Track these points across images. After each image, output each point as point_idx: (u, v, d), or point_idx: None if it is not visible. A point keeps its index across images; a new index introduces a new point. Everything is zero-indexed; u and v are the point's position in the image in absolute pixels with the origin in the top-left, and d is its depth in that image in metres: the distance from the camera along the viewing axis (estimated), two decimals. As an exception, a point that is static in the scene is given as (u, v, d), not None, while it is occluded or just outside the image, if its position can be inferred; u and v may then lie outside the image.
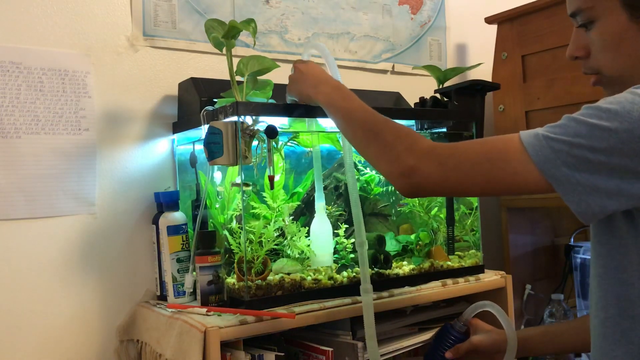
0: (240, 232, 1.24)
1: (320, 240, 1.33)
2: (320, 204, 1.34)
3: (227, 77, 1.21)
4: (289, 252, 1.31)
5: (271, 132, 1.17)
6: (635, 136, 0.77)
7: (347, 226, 1.38)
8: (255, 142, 1.18)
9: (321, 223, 1.34)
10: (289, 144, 1.37)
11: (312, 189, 1.41)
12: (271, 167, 1.19)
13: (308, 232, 1.34)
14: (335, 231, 1.37)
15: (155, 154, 1.43)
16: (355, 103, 1.04)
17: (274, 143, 1.22)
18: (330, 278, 1.29)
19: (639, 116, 0.77)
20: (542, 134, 0.82)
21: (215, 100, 1.29)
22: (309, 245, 1.32)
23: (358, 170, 1.47)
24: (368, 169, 1.50)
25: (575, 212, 0.82)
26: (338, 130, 1.10)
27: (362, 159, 1.46)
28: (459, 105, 1.47)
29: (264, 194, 1.32)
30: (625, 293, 0.89)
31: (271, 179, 1.20)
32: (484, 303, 1.33)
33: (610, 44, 0.90)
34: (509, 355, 1.25)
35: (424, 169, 0.88)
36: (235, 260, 1.24)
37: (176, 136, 1.44)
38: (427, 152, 0.89)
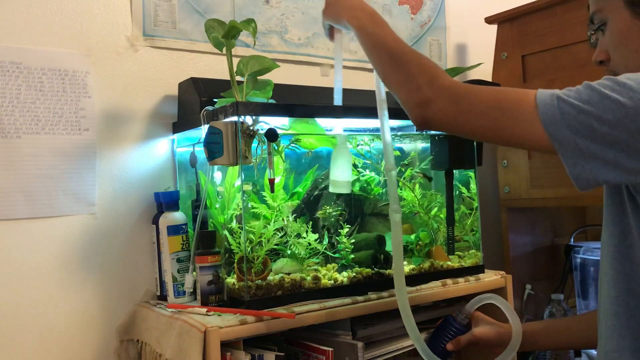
0: (240, 232, 1.24)
1: (339, 167, 1.30)
2: (342, 135, 1.32)
3: (227, 77, 1.21)
4: (289, 251, 1.31)
5: (271, 135, 1.17)
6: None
7: (350, 226, 1.38)
8: (255, 143, 1.18)
9: (341, 150, 1.31)
10: (290, 147, 1.36)
11: (312, 188, 1.41)
12: (271, 171, 1.19)
13: (312, 230, 1.34)
14: (339, 231, 1.37)
15: (155, 154, 1.43)
16: (386, 31, 1.05)
17: (274, 145, 1.22)
18: (330, 278, 1.29)
19: None
20: (557, 94, 0.84)
21: (215, 100, 1.29)
22: (316, 240, 1.32)
23: (358, 171, 1.47)
24: (367, 170, 1.49)
25: (570, 174, 0.84)
26: (335, 134, 1.09)
27: (361, 162, 1.46)
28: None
29: (264, 194, 1.31)
30: (634, 272, 0.92)
31: (271, 182, 1.20)
32: (488, 296, 1.31)
33: (619, 42, 0.94)
34: (512, 346, 1.23)
35: (439, 104, 0.91)
36: (235, 260, 1.24)
37: (176, 136, 1.44)
38: (445, 88, 0.92)
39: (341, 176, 1.29)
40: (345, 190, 1.31)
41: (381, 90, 1.15)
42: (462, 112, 0.90)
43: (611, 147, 0.80)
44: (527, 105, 0.85)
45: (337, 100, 1.30)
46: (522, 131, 0.86)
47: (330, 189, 1.30)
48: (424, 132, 1.54)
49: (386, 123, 1.14)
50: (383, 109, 1.14)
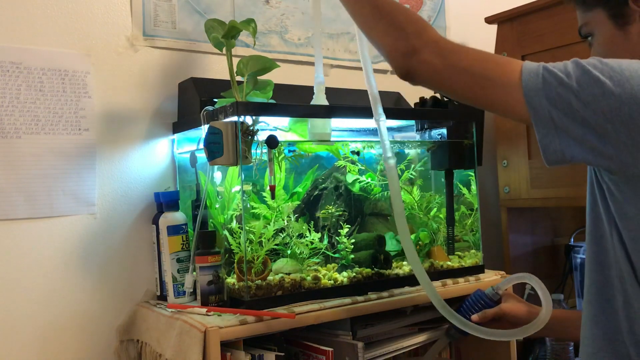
0: (240, 232, 1.24)
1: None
2: (319, 82, 1.30)
3: (227, 77, 1.21)
4: (289, 251, 1.31)
5: (272, 142, 1.17)
6: (615, 94, 0.80)
7: (350, 226, 1.38)
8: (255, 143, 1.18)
9: (319, 101, 1.30)
10: (291, 157, 1.35)
11: (312, 189, 1.41)
12: (272, 177, 1.19)
13: (315, 229, 1.33)
14: (339, 231, 1.37)
15: (155, 154, 1.43)
16: None
17: (274, 151, 1.22)
18: (330, 278, 1.29)
19: (628, 76, 0.81)
20: (544, 64, 0.85)
21: (215, 100, 1.30)
22: (318, 239, 1.32)
23: (359, 172, 1.47)
24: (364, 176, 1.49)
25: (540, 144, 0.85)
26: (336, 140, 1.08)
27: (357, 168, 1.46)
28: (459, 106, 1.47)
29: (264, 194, 1.31)
30: (606, 260, 0.93)
31: (272, 188, 1.21)
32: (522, 275, 1.26)
33: (606, 53, 0.96)
34: (540, 320, 1.18)
35: (425, 55, 0.90)
36: (235, 260, 1.24)
37: (176, 136, 1.44)
38: (434, 40, 0.91)
39: (319, 127, 1.28)
40: (326, 137, 1.29)
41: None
42: (447, 66, 0.90)
43: (583, 125, 0.82)
44: (512, 70, 0.86)
45: (318, 70, 1.29)
46: (502, 94, 0.86)
47: (310, 137, 1.29)
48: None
49: (369, 65, 1.14)
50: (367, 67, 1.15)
